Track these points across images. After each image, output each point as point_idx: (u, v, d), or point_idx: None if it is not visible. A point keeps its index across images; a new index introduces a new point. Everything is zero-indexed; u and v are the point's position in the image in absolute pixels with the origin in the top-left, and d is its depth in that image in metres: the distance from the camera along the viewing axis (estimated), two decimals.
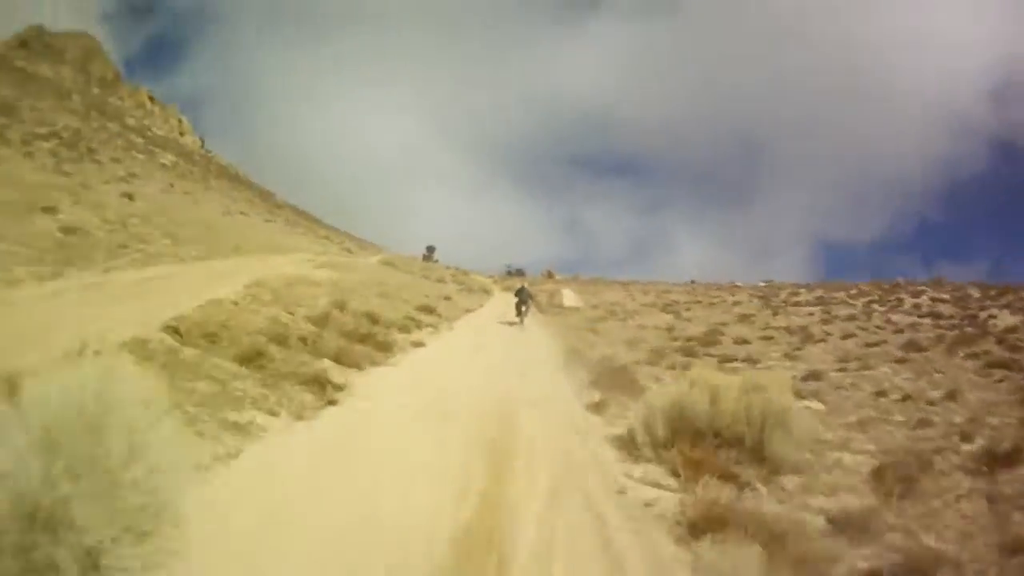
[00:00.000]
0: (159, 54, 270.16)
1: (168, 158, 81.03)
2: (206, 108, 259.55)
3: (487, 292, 50.59)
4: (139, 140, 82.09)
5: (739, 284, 75.52)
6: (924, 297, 42.24)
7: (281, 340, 13.19)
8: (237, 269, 22.90)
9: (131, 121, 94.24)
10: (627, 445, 10.30)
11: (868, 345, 26.45)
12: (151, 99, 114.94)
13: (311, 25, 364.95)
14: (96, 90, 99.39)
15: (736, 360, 23.16)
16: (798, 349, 26.08)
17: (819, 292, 51.87)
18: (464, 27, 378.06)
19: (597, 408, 13.32)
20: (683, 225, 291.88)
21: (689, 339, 28.56)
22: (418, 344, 19.32)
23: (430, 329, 23.09)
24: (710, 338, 28.61)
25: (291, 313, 16.69)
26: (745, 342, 28.28)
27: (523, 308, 30.94)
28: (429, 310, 26.87)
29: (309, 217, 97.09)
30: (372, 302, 24.01)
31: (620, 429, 11.24)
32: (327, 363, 13.01)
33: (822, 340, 28.61)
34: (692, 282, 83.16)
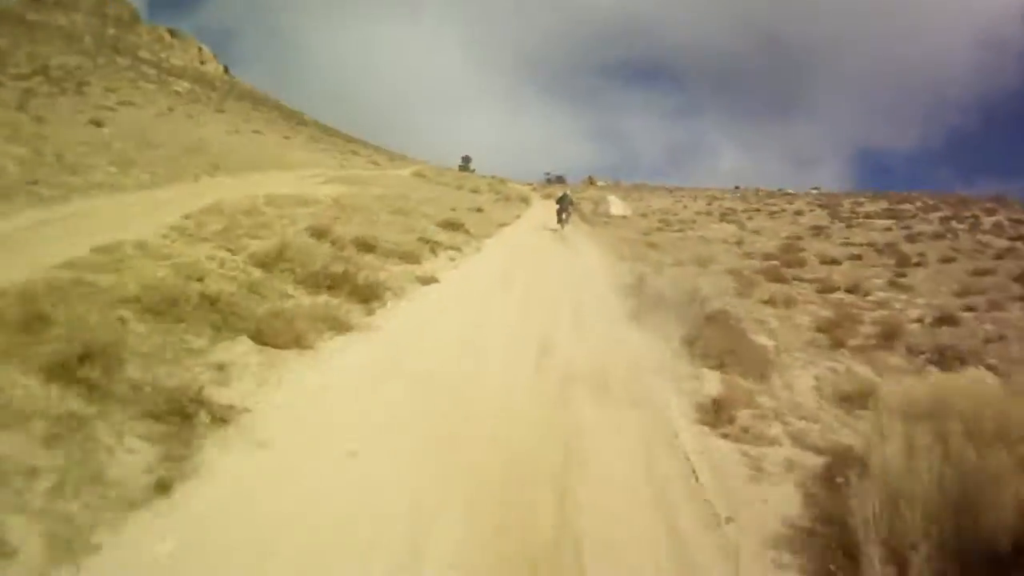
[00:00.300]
0: None
1: (183, 85, 75.41)
2: (238, 40, 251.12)
3: (525, 201, 44.16)
4: (152, 71, 76.87)
5: (791, 191, 68.46)
6: (1000, 216, 35.67)
7: (168, 306, 7.38)
8: (196, 194, 17.07)
9: (146, 54, 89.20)
10: None
11: (976, 273, 20.10)
12: (171, 33, 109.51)
13: None
14: (112, 31, 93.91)
15: (838, 289, 17.63)
16: (901, 276, 19.95)
17: (883, 203, 45.13)
18: None
19: (716, 416, 7.08)
20: (720, 132, 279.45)
21: (767, 256, 22.70)
22: (428, 280, 13.45)
23: (451, 253, 17.30)
24: (791, 256, 22.75)
25: (232, 251, 10.92)
26: (834, 262, 22.24)
27: (564, 216, 28.27)
28: (455, 226, 21.11)
29: (338, 133, 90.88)
30: (379, 222, 18.24)
31: (791, 494, 5.64)
32: (236, 348, 7.25)
33: (919, 264, 22.41)
34: (737, 188, 76.68)
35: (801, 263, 21.52)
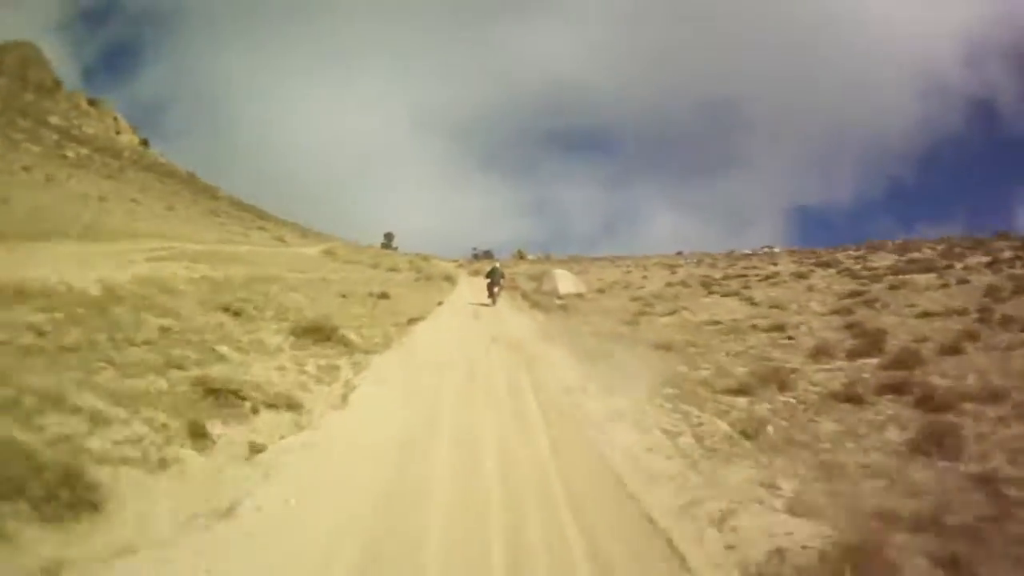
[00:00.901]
0: (119, 61, 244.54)
1: (78, 151, 65.21)
2: (170, 112, 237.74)
3: (450, 280, 34.28)
4: (53, 136, 67.05)
5: (770, 248, 61.15)
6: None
7: None
8: None
9: (54, 120, 79.12)
10: None
11: None
12: (90, 102, 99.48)
13: (270, 23, 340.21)
14: (30, 96, 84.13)
15: None
16: None
17: (884, 254, 37.13)
18: (421, 13, 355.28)
19: None
20: (655, 198, 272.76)
21: (853, 354, 13.05)
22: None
23: (270, 421, 7.00)
24: (881, 350, 13.09)
25: None
26: (955, 351, 12.77)
27: (495, 290, 25.53)
28: (324, 334, 11.27)
29: (252, 210, 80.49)
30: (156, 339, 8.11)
31: None
32: None
33: None
34: (680, 253, 69.06)
35: (914, 363, 11.61)
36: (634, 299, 24.98)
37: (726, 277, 32.50)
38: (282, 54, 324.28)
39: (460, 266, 55.80)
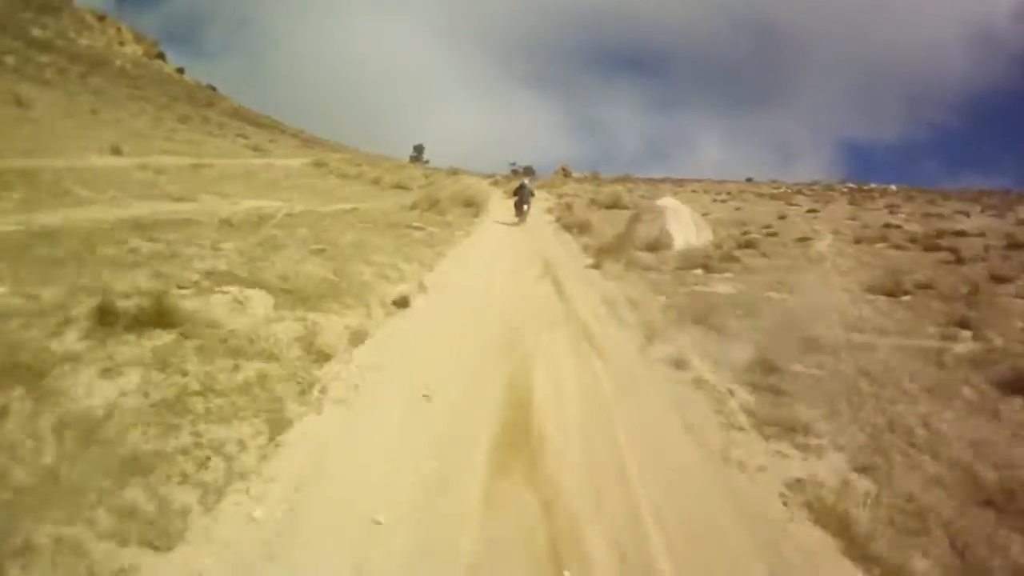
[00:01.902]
0: None
1: (53, 60, 55.11)
2: (208, 30, 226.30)
3: (475, 209, 22.52)
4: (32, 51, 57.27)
5: (832, 184, 48.42)
6: None
7: None
8: None
9: (37, 32, 69.26)
10: None
11: None
12: (98, 17, 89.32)
13: None
14: (29, 14, 74.82)
15: None
16: None
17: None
18: None
19: None
20: (700, 124, 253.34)
21: None
22: None
23: None
24: None
25: None
26: None
27: (524, 207, 22.77)
28: None
29: (248, 118, 70.05)
30: None
31: None
32: None
33: None
34: (750, 180, 57.16)
35: None
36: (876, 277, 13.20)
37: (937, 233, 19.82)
38: None
39: (495, 183, 44.51)
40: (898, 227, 20.04)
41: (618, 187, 35.69)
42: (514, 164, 66.70)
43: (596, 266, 13.24)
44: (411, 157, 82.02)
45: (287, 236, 10.72)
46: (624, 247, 14.73)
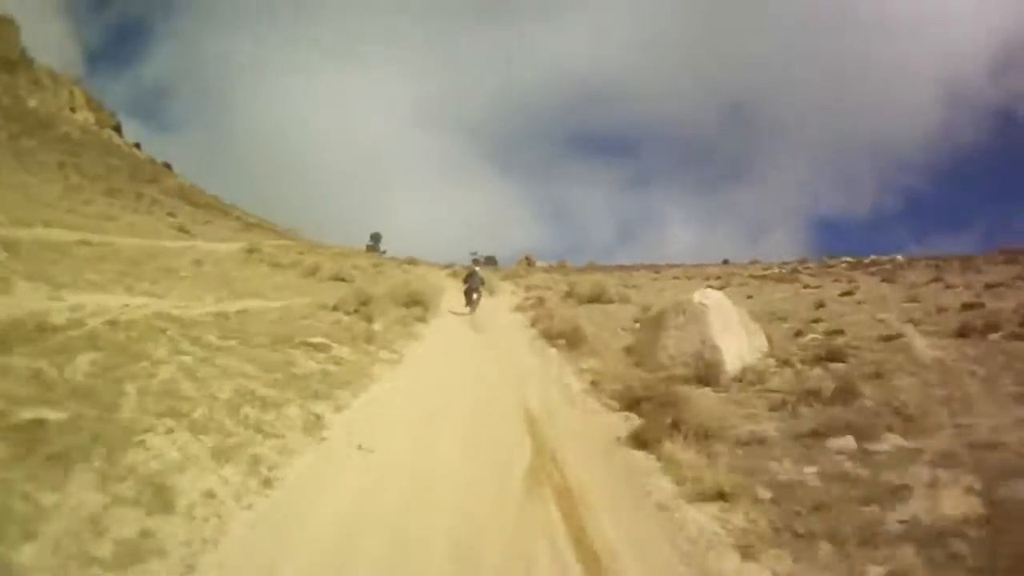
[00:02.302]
0: (124, 43, 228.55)
1: None
2: (173, 100, 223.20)
3: (422, 311, 17.28)
4: None
5: (826, 260, 44.87)
6: None
7: None
8: None
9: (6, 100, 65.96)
10: None
11: None
12: (52, 77, 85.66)
13: (284, 9, 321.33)
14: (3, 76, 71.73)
15: None
16: None
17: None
18: (436, 7, 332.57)
19: None
20: (672, 206, 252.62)
21: None
22: None
23: None
24: None
25: None
26: None
27: (474, 296, 21.73)
28: None
29: (197, 200, 65.94)
30: None
31: None
32: None
33: None
34: (726, 262, 53.86)
35: None
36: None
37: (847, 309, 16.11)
38: (288, 42, 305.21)
39: (453, 274, 40.12)
40: (980, 306, 15.43)
41: (597, 275, 31.59)
42: (475, 254, 62.13)
43: (641, 442, 7.54)
44: (367, 246, 77.94)
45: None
46: (657, 379, 9.85)
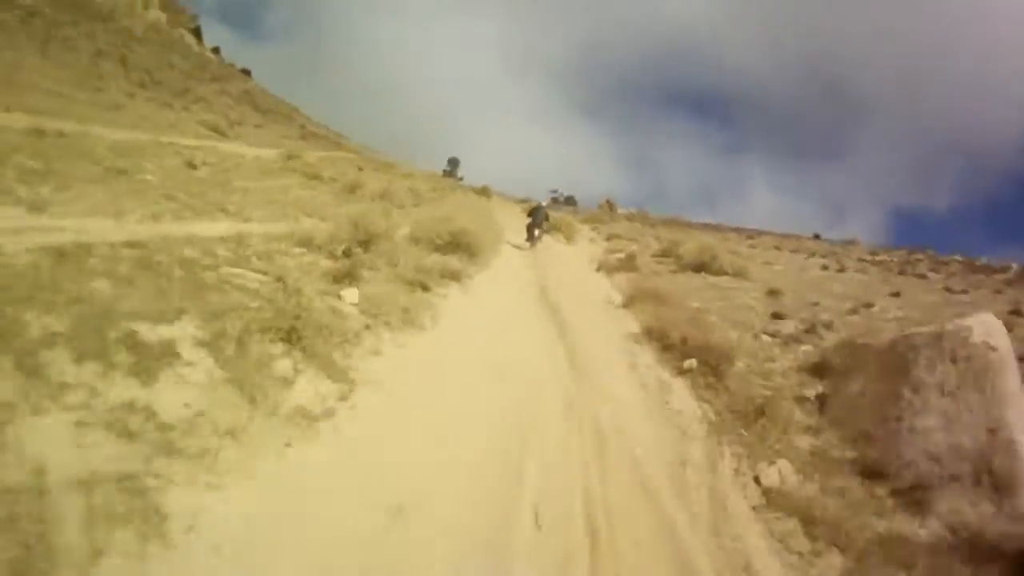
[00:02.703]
0: None
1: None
2: (265, 7, 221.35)
3: (463, 262, 11.53)
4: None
5: (934, 257, 37.04)
6: None
7: None
8: None
9: None
10: None
11: None
12: None
13: None
14: None
15: None
16: None
17: None
18: None
19: None
20: (754, 171, 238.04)
21: None
22: None
23: None
24: None
25: None
26: None
27: (536, 232, 20.93)
28: None
29: (271, 108, 61.96)
30: None
31: None
32: None
33: None
34: (817, 237, 46.57)
35: None
36: None
37: None
38: None
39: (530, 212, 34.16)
40: None
41: (694, 234, 25.55)
42: (555, 192, 57.07)
43: None
44: (444, 171, 73.02)
45: None
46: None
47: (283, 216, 11.48)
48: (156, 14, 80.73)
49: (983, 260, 37.23)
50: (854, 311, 12.52)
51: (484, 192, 43.32)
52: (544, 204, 23.21)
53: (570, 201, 51.32)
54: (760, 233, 44.96)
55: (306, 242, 8.69)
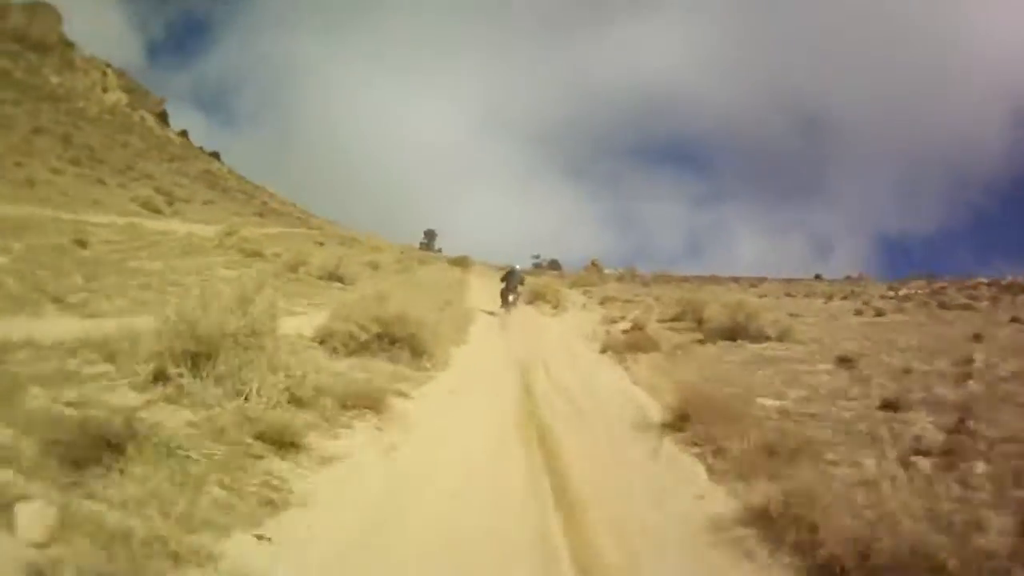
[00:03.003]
0: (185, 38, 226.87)
1: None
2: (240, 95, 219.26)
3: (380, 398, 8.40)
4: None
5: (964, 283, 33.81)
6: None
7: None
8: None
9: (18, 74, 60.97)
10: None
11: None
12: (87, 60, 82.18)
13: (349, 8, 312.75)
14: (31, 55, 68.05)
15: None
16: None
17: None
18: (513, 8, 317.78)
19: None
20: (739, 218, 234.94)
21: None
22: None
23: None
24: None
25: None
26: None
27: (510, 298, 20.22)
28: None
29: (232, 187, 59.36)
30: None
31: None
32: None
33: None
34: (818, 277, 43.56)
35: None
36: None
37: None
38: (355, 39, 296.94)
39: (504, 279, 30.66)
40: None
41: (727, 294, 22.27)
42: (538, 257, 53.90)
43: None
44: (421, 243, 70.11)
45: None
46: None
47: (146, 308, 7.99)
48: (117, 96, 79.20)
49: (1008, 278, 33.71)
50: (963, 376, 8.96)
51: (461, 263, 39.97)
52: (518, 268, 22.60)
53: (554, 265, 48.34)
54: (761, 280, 41.80)
55: (127, 352, 5.14)
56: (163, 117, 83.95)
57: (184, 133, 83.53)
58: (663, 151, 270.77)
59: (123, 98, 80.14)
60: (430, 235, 75.11)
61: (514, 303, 20.22)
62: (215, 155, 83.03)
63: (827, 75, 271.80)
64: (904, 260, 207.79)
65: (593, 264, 48.98)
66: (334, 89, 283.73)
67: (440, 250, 67.35)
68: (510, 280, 20.52)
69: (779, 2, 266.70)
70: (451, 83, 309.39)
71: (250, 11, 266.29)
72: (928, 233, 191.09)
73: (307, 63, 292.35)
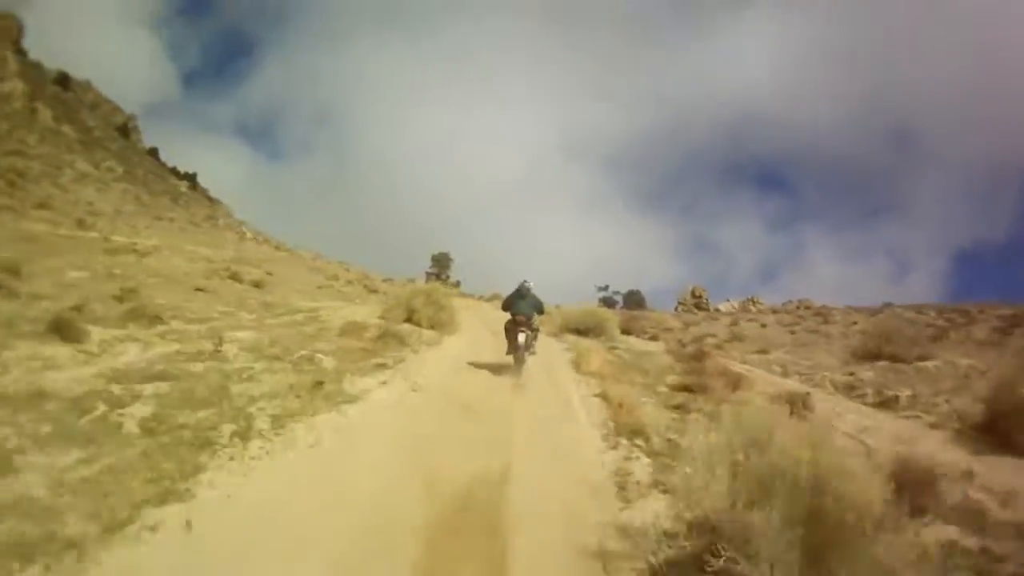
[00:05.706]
0: (223, 61, 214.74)
1: None
2: (287, 122, 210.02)
3: None
4: None
5: None
6: None
7: None
8: None
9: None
10: None
11: None
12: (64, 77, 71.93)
13: (410, 21, 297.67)
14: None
15: None
16: None
17: None
18: (590, 27, 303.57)
19: None
20: (817, 239, 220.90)
21: None
22: None
23: None
24: None
25: None
26: None
27: (520, 338, 12.20)
28: None
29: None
30: None
31: None
32: None
33: None
34: (888, 305, 30.16)
35: None
36: None
37: None
38: (414, 59, 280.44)
39: (506, 307, 14.34)
40: None
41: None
42: (605, 289, 39.60)
43: None
44: (428, 273, 55.25)
45: None
46: None
47: None
48: (12, 84, 67.58)
49: None
50: None
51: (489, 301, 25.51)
52: (528, 284, 12.95)
53: (634, 298, 33.50)
54: (852, 309, 27.62)
55: None
56: (124, 131, 72.53)
57: (154, 151, 73.82)
58: (740, 174, 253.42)
59: (19, 87, 69.34)
60: (441, 261, 60.33)
61: (528, 347, 12.39)
62: (189, 176, 73.06)
63: (920, 85, 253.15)
64: (983, 281, 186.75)
65: (692, 291, 34.09)
66: (385, 115, 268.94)
67: (459, 283, 52.82)
68: (517, 305, 12.47)
69: (863, 12, 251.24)
70: (518, 106, 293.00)
71: (293, 33, 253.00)
72: (1001, 242, 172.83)
73: (365, 85, 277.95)
